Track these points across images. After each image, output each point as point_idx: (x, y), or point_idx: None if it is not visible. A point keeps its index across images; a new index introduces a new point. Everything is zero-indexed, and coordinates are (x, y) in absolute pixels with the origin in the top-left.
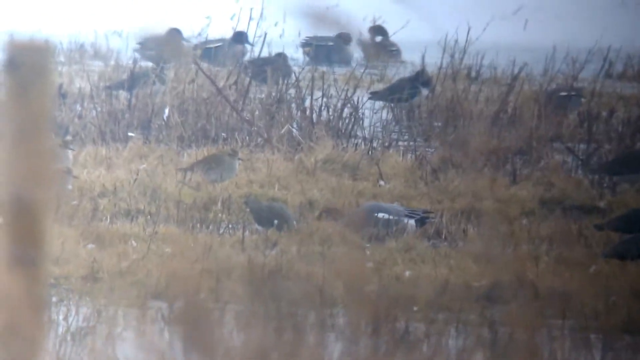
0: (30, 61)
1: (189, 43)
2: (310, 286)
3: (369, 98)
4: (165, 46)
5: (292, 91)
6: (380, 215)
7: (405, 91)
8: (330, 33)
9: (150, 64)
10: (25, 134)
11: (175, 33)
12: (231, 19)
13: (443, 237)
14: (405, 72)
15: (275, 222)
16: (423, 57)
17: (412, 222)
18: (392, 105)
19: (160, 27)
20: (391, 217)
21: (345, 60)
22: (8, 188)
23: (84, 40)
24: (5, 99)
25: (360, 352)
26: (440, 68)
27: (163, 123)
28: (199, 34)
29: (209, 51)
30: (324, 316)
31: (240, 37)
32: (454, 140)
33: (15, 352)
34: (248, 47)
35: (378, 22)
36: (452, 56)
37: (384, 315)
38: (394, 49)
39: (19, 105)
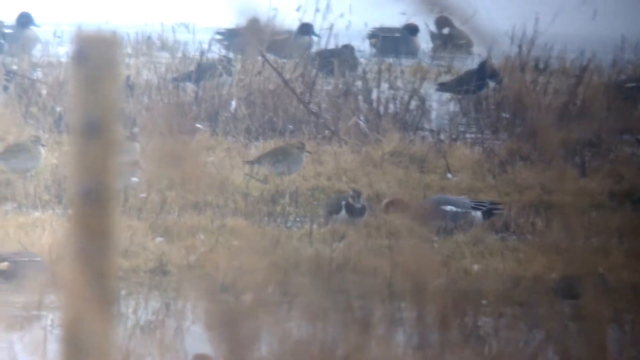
0: (97, 53)
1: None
2: (377, 280)
3: (437, 89)
4: (249, 37)
5: (358, 83)
6: (448, 208)
7: (473, 83)
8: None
9: (217, 56)
10: (93, 126)
11: (255, 23)
12: (297, 10)
13: (511, 230)
14: (473, 64)
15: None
16: (490, 49)
17: (478, 214)
18: (459, 97)
19: (234, 19)
20: (458, 209)
21: (412, 52)
22: (77, 180)
23: (151, 32)
24: (73, 91)
25: (429, 346)
26: (508, 59)
27: (230, 115)
28: (266, 26)
29: (276, 43)
30: (391, 310)
31: (306, 29)
32: (522, 132)
33: (85, 345)
34: (314, 39)
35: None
36: (520, 47)
37: (452, 309)
38: (463, 41)
39: (87, 98)
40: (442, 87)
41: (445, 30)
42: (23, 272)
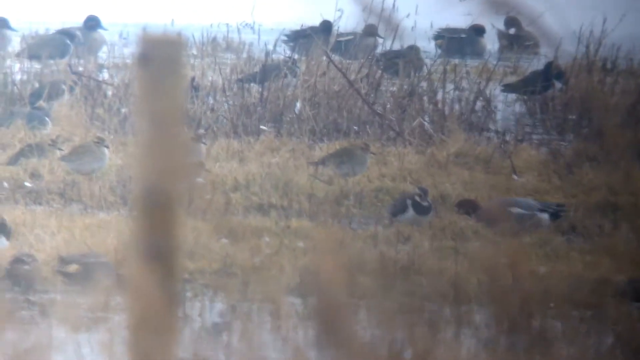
0: (162, 55)
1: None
2: (442, 281)
3: (502, 90)
4: (319, 38)
5: (424, 84)
6: (515, 210)
7: (539, 84)
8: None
9: (282, 57)
10: (158, 127)
11: (326, 25)
12: (363, 11)
13: (578, 232)
14: (539, 65)
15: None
16: (557, 50)
17: (545, 216)
18: (525, 98)
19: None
20: (525, 212)
21: (478, 53)
22: (142, 182)
23: (217, 33)
24: (138, 93)
25: (496, 348)
26: (575, 60)
27: (295, 116)
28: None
29: (341, 44)
30: (457, 312)
31: (371, 30)
32: (589, 133)
33: (151, 347)
34: (379, 39)
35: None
36: (587, 48)
37: (519, 312)
38: (530, 42)
39: (152, 99)
40: (508, 87)
41: (512, 31)
42: (92, 274)
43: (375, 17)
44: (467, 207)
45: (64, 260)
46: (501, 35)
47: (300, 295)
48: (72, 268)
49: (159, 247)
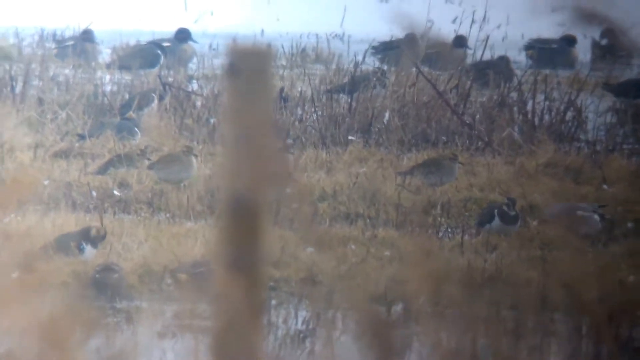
0: (251, 65)
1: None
2: (530, 291)
3: (602, 88)
4: (407, 50)
5: (513, 94)
6: (579, 213)
7: (631, 93)
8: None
9: (371, 68)
10: (246, 137)
11: (412, 37)
12: (453, 22)
13: None
14: (632, 75)
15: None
16: None
17: (597, 217)
18: (617, 107)
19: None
20: (587, 214)
21: (569, 63)
22: (229, 191)
23: (306, 43)
24: (227, 103)
25: (583, 358)
26: None
27: (383, 127)
28: (421, 38)
29: (430, 55)
30: (544, 321)
31: (460, 41)
32: None
33: (235, 354)
34: (469, 50)
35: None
36: None
37: (607, 321)
38: (622, 53)
39: (241, 110)
40: (606, 87)
41: (604, 41)
42: (199, 283)
43: (464, 29)
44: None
45: (175, 270)
46: (594, 46)
47: (386, 304)
48: (182, 277)
49: (245, 255)
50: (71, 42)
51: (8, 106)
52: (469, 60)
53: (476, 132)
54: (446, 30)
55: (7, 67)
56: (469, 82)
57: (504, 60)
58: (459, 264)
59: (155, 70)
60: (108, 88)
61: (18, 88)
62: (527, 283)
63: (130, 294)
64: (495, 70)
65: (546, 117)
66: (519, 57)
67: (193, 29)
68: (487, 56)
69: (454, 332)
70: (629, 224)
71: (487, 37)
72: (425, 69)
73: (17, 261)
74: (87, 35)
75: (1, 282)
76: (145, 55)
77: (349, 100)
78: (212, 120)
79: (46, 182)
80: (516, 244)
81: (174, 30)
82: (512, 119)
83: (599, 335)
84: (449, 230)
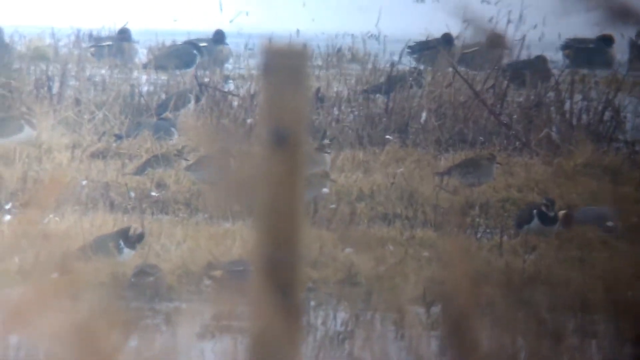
0: (287, 65)
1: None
2: (569, 292)
3: None
4: (440, 51)
5: (551, 94)
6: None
7: None
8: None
9: (407, 68)
10: (282, 137)
11: (448, 38)
12: (489, 22)
13: None
14: None
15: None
16: None
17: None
18: None
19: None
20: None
21: (607, 63)
22: (266, 191)
23: (342, 44)
24: (262, 103)
25: None
26: None
27: (420, 127)
28: (457, 38)
29: (467, 55)
30: (584, 323)
31: (498, 41)
32: None
33: (274, 356)
34: (506, 50)
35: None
36: None
37: None
38: None
39: (277, 110)
40: None
41: None
42: (237, 283)
43: (500, 29)
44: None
45: (211, 266)
46: (632, 45)
47: (424, 305)
48: (217, 273)
49: (283, 256)
50: (109, 43)
51: (45, 106)
52: (505, 61)
53: (514, 132)
54: (483, 30)
55: (44, 67)
56: (505, 82)
57: (541, 59)
58: (498, 265)
59: (192, 70)
60: (144, 88)
61: (55, 88)
62: (567, 284)
63: (169, 295)
64: (532, 70)
65: (584, 117)
66: (556, 57)
67: (228, 29)
68: (523, 56)
69: (493, 334)
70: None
71: (524, 37)
72: (461, 69)
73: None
74: (124, 35)
75: (40, 282)
76: (182, 55)
77: (386, 100)
78: (248, 121)
79: (84, 183)
80: (555, 244)
81: (210, 30)
82: (549, 119)
83: (637, 337)
84: (487, 231)
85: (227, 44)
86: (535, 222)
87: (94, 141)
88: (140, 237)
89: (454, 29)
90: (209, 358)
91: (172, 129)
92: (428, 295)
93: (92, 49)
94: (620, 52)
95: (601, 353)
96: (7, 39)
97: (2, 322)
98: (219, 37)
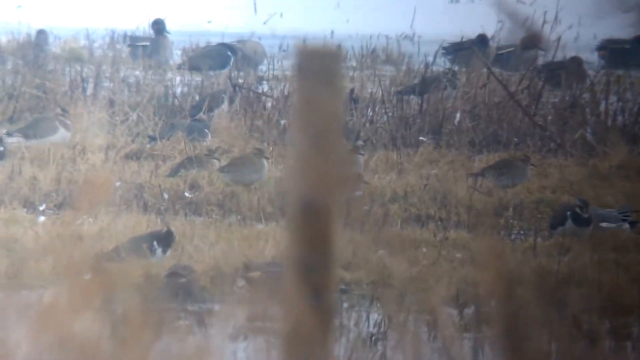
0: (321, 66)
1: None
2: (603, 294)
3: None
4: (475, 51)
5: (586, 95)
6: (604, 224)
7: None
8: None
9: (441, 69)
10: (316, 139)
11: (483, 39)
12: (524, 23)
13: None
14: None
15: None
16: None
17: (627, 226)
18: None
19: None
20: (612, 225)
21: None
22: (299, 193)
23: (376, 44)
24: (296, 105)
25: None
26: None
27: (454, 128)
28: (492, 39)
29: (501, 56)
30: (618, 325)
31: (532, 42)
32: None
33: (307, 357)
34: (540, 51)
35: None
36: None
37: None
38: None
39: (311, 111)
40: None
41: None
42: (271, 283)
43: (536, 29)
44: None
45: (248, 267)
46: None
47: (457, 307)
48: (255, 274)
49: (316, 258)
50: (144, 43)
51: (80, 108)
52: (540, 61)
53: (548, 133)
54: (517, 31)
55: (79, 68)
56: (540, 83)
57: (576, 60)
58: (532, 266)
59: (226, 71)
60: (178, 89)
61: (89, 90)
62: (601, 286)
63: (202, 296)
64: (567, 71)
65: (619, 118)
66: (591, 58)
67: (262, 30)
68: (559, 57)
69: (527, 336)
70: (623, 226)
71: (559, 38)
72: (496, 70)
73: (88, 263)
74: (158, 26)
75: (73, 283)
76: (216, 56)
77: (420, 101)
78: (282, 122)
79: (118, 184)
80: (589, 246)
81: (244, 32)
82: (584, 120)
83: None
84: (521, 232)
85: (167, 33)
86: (569, 223)
87: (127, 142)
88: (169, 235)
89: (489, 30)
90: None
91: (206, 130)
92: (461, 296)
93: (129, 49)
94: None
95: (635, 355)
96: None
97: (36, 322)
98: (159, 26)
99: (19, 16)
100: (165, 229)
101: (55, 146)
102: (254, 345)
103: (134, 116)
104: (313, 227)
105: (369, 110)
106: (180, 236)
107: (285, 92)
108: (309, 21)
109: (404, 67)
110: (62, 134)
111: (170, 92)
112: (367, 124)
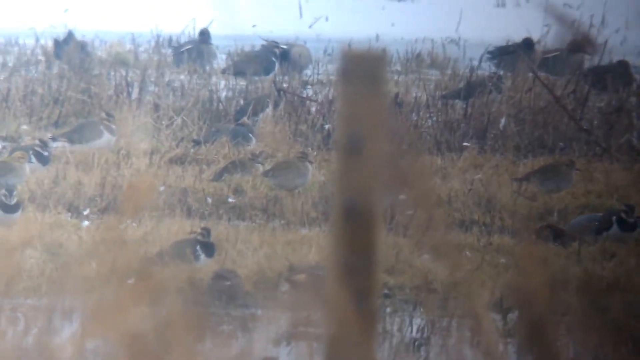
0: (365, 70)
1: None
2: None
3: None
4: (520, 55)
5: (632, 99)
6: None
7: None
8: None
9: (486, 73)
10: (360, 143)
11: (528, 42)
12: (570, 27)
13: None
14: None
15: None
16: None
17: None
18: None
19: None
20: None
21: None
22: (342, 197)
23: (421, 48)
24: (340, 109)
25: None
26: None
27: (499, 132)
28: (538, 43)
29: (547, 60)
30: None
31: (579, 46)
32: None
33: None
34: (587, 55)
35: None
36: None
37: None
38: None
39: (355, 115)
40: None
41: None
42: (315, 287)
43: (584, 32)
44: (551, 232)
45: (293, 270)
46: None
47: (501, 312)
48: (300, 277)
49: (360, 262)
50: (188, 47)
51: (124, 112)
52: (587, 65)
53: (594, 137)
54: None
55: (124, 73)
56: (586, 87)
57: (622, 64)
58: (576, 272)
59: (270, 76)
60: (223, 94)
61: (134, 94)
62: None
63: (245, 300)
64: (613, 74)
65: None
66: (637, 62)
67: (308, 34)
68: (605, 60)
69: (571, 341)
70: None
71: (606, 41)
72: (542, 74)
73: (132, 267)
74: (204, 37)
75: (117, 288)
76: (260, 61)
77: (464, 105)
78: (326, 126)
79: (162, 188)
80: (635, 251)
81: (289, 36)
82: (630, 124)
83: None
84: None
85: (211, 44)
86: (615, 228)
87: (172, 147)
88: (213, 245)
89: (535, 34)
90: None
91: (250, 135)
92: (505, 301)
93: (173, 55)
94: None
95: None
96: (87, 44)
97: (80, 326)
98: (204, 37)
99: (65, 20)
100: (205, 235)
101: (99, 151)
102: (297, 350)
103: (179, 120)
104: (356, 231)
105: (414, 114)
106: (224, 241)
107: (330, 97)
108: (354, 25)
109: (449, 71)
110: (106, 138)
111: (215, 96)
112: (412, 128)
